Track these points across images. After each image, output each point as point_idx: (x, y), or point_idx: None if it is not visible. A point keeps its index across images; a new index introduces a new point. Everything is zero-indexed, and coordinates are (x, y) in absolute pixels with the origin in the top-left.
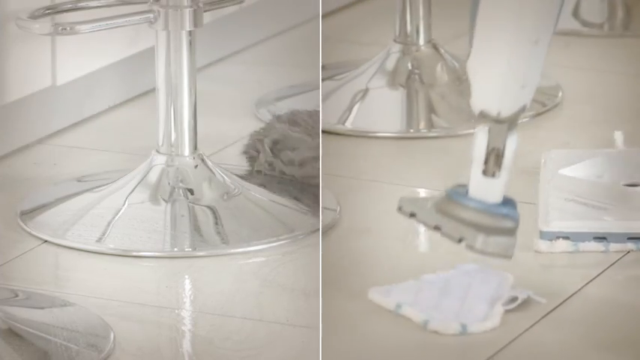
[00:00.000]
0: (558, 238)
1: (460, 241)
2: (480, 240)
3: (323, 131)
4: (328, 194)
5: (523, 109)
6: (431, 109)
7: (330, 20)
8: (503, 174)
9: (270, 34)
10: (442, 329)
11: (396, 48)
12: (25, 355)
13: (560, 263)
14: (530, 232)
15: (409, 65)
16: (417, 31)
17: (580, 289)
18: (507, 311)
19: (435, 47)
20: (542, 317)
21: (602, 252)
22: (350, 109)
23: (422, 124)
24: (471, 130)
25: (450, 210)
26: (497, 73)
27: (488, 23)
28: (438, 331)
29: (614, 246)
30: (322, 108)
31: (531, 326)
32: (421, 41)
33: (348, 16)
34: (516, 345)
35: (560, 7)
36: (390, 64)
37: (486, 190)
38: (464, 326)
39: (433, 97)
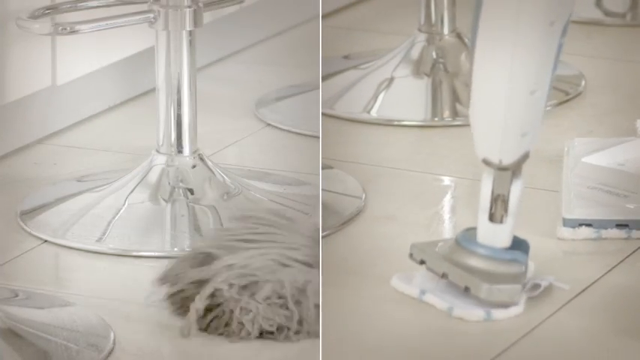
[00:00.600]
0: (581, 225)
1: (466, 289)
2: (484, 289)
3: (348, 119)
4: (353, 182)
5: (525, 156)
6: (455, 97)
7: (354, 10)
8: (510, 220)
9: (270, 34)
10: (467, 316)
11: (421, 37)
12: (25, 355)
13: (582, 250)
14: (554, 220)
15: (434, 54)
16: (442, 21)
17: (602, 276)
18: (530, 298)
19: (459, 36)
20: (565, 304)
21: (624, 239)
22: (375, 97)
23: (446, 113)
24: None
25: (458, 257)
26: (496, 122)
27: (484, 74)
28: (463, 318)
29: (636, 233)
30: (347, 97)
31: (554, 313)
32: (445, 30)
33: (373, 7)
34: (539, 331)
35: (556, 59)
36: (415, 54)
37: (494, 235)
38: (488, 313)
39: (457, 85)
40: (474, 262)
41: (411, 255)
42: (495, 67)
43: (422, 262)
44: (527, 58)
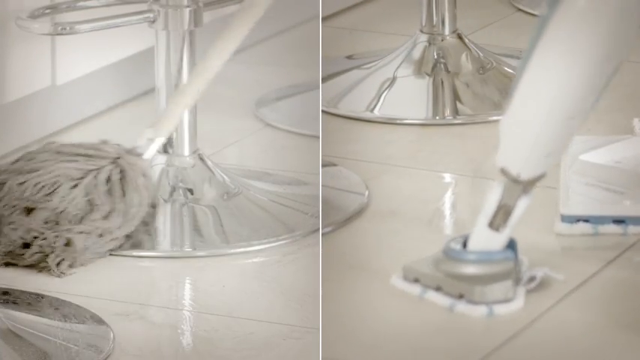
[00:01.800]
0: (579, 221)
1: (461, 297)
2: (476, 292)
3: (351, 118)
4: (356, 179)
5: (542, 176)
6: (456, 96)
7: (357, 11)
8: (507, 231)
9: (270, 34)
10: (469, 312)
11: (423, 38)
12: (25, 355)
13: (580, 245)
14: (552, 216)
15: (435, 55)
16: (443, 22)
17: (599, 270)
18: (529, 291)
19: (460, 37)
20: (563, 297)
21: (621, 234)
22: (378, 97)
23: (447, 112)
24: (494, 118)
25: (449, 268)
26: (526, 139)
27: (527, 93)
28: (465, 314)
29: (632, 228)
30: (350, 96)
31: (552, 306)
32: (446, 31)
33: (376, 8)
34: (538, 324)
35: (602, 89)
36: (417, 54)
37: (488, 241)
38: (490, 309)
39: (458, 85)
40: (464, 268)
41: (404, 277)
42: (542, 89)
43: (416, 281)
44: (577, 87)
